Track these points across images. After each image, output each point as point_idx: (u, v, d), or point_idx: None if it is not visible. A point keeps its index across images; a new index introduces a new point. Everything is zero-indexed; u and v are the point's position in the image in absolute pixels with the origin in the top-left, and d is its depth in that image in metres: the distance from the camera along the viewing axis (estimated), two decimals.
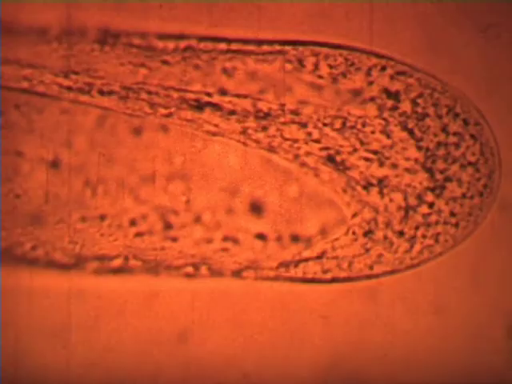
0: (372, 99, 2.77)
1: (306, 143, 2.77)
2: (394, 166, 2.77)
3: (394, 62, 2.79)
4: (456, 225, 2.80)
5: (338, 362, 2.81)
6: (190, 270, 2.77)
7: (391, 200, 2.77)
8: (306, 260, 2.79)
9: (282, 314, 2.80)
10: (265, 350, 2.79)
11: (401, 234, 2.78)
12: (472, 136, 2.80)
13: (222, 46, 2.76)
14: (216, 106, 2.75)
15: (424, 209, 2.78)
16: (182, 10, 2.75)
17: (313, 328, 2.80)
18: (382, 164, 2.77)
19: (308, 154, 2.77)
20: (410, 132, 2.78)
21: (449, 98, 2.80)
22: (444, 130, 2.79)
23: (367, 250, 2.79)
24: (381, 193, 2.77)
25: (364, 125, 2.77)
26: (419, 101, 2.79)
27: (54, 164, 2.73)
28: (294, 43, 2.77)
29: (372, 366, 2.81)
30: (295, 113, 2.76)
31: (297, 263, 2.79)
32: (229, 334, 2.79)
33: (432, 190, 2.78)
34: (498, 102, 2.83)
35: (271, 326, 2.80)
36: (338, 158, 2.77)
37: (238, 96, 2.76)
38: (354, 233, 2.78)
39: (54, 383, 2.74)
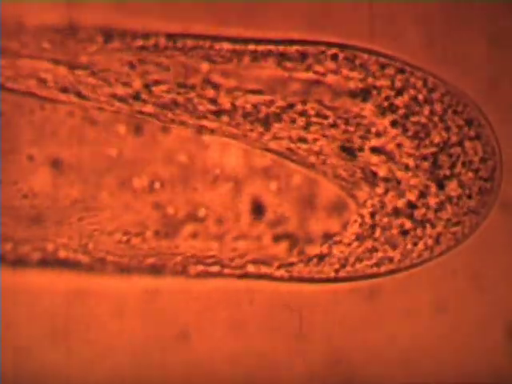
0: (372, 98, 2.77)
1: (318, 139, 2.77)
2: (395, 164, 2.77)
3: (395, 61, 2.78)
4: (457, 224, 2.79)
5: (338, 362, 2.81)
6: (189, 269, 2.77)
7: (392, 199, 2.77)
8: (307, 260, 2.79)
9: (282, 314, 2.80)
10: (265, 350, 2.79)
11: (403, 233, 2.78)
12: (473, 135, 2.79)
13: (223, 45, 2.76)
14: (224, 110, 2.75)
15: (424, 208, 2.78)
16: (183, 10, 2.75)
17: (313, 327, 2.81)
18: (383, 162, 2.77)
19: (314, 151, 2.77)
20: (411, 131, 2.77)
21: (450, 96, 2.79)
22: (445, 128, 2.78)
23: (368, 250, 2.79)
24: (382, 191, 2.77)
25: (365, 122, 2.76)
26: (420, 99, 2.78)
27: (58, 164, 2.74)
28: (294, 42, 2.77)
29: (372, 365, 2.81)
30: (304, 113, 2.76)
31: (298, 263, 2.79)
32: (229, 333, 2.79)
33: (433, 189, 2.78)
34: (499, 100, 2.83)
35: (271, 325, 2.80)
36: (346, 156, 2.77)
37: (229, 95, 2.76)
38: (355, 232, 2.78)
39: (54, 383, 2.75)
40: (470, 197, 2.79)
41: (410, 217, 2.77)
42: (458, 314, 2.83)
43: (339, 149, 2.70)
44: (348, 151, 2.70)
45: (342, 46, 2.77)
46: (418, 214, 2.78)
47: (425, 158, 2.77)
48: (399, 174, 2.77)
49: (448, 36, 2.81)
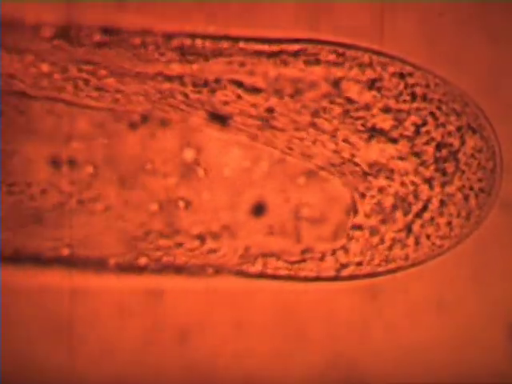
0: (373, 97, 2.77)
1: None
2: (395, 164, 2.77)
3: (396, 61, 2.78)
4: (457, 224, 2.80)
5: (338, 362, 2.81)
6: (190, 269, 2.77)
7: (392, 198, 2.77)
8: (308, 259, 2.79)
9: (283, 314, 2.80)
10: (265, 350, 2.79)
11: (403, 232, 2.78)
12: (473, 134, 2.79)
13: (224, 45, 2.76)
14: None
15: (425, 208, 2.78)
16: (183, 9, 2.75)
17: (314, 327, 2.81)
18: (384, 161, 2.77)
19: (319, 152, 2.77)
20: (412, 131, 2.77)
21: (449, 96, 2.79)
22: (445, 128, 2.78)
23: (368, 249, 2.79)
24: (383, 190, 2.77)
25: (368, 121, 2.77)
26: (419, 99, 2.78)
27: (58, 164, 2.74)
28: (294, 42, 2.77)
29: (372, 365, 2.81)
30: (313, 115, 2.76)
31: (299, 262, 2.79)
32: (229, 333, 2.79)
33: (433, 188, 2.78)
34: (499, 100, 2.82)
35: (272, 325, 2.80)
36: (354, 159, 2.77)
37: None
38: (354, 232, 2.79)
39: (54, 383, 2.75)
40: (470, 197, 2.79)
41: (410, 216, 2.78)
42: (458, 314, 2.83)
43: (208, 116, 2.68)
44: (218, 119, 2.67)
45: (342, 45, 2.78)
46: (417, 213, 2.78)
47: (424, 157, 2.77)
48: (397, 174, 2.77)
49: (448, 36, 2.81)
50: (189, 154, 2.75)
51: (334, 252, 2.79)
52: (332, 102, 2.75)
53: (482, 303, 2.83)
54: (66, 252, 2.74)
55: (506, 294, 2.83)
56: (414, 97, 2.77)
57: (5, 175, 2.73)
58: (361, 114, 2.75)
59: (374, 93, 2.76)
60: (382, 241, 2.78)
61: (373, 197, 2.77)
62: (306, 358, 2.81)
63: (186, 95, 2.74)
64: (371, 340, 2.82)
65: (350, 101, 2.76)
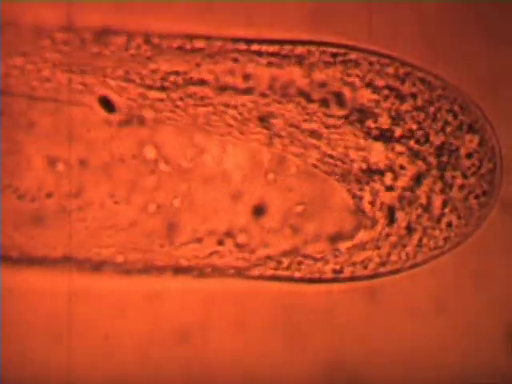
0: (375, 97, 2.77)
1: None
2: (394, 164, 2.77)
3: (395, 61, 2.78)
4: (457, 225, 2.80)
5: (338, 362, 2.81)
6: (191, 269, 2.77)
7: (391, 198, 2.78)
8: (308, 259, 2.79)
9: (283, 314, 2.80)
10: (266, 350, 2.80)
11: (403, 233, 2.78)
12: (473, 135, 2.79)
13: (224, 45, 2.76)
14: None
15: (425, 208, 2.78)
16: (184, 9, 2.74)
17: (314, 328, 2.81)
18: (384, 161, 2.77)
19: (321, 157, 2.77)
20: (410, 131, 2.77)
21: (449, 96, 2.79)
22: (444, 129, 2.78)
23: (368, 249, 2.79)
24: (383, 189, 2.78)
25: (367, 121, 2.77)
26: (419, 99, 2.78)
27: (58, 163, 2.74)
28: (294, 42, 2.77)
29: (372, 365, 2.81)
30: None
31: (299, 262, 2.79)
32: (230, 334, 2.79)
33: (433, 189, 2.78)
34: (499, 100, 2.82)
35: (272, 326, 2.80)
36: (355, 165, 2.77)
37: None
38: (355, 232, 2.79)
39: (54, 383, 2.75)
40: (470, 197, 2.80)
41: (409, 216, 2.78)
42: (457, 314, 2.83)
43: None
44: (106, 105, 2.67)
45: (341, 46, 2.78)
46: (417, 214, 2.78)
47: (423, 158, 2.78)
48: (397, 174, 2.77)
49: (448, 36, 2.81)
50: (149, 153, 2.75)
51: (334, 253, 2.79)
52: (327, 103, 2.76)
53: (482, 303, 2.83)
54: (66, 252, 2.74)
55: (505, 293, 2.84)
56: (413, 97, 2.78)
57: (5, 175, 2.72)
58: (359, 114, 2.76)
59: (373, 93, 2.76)
60: (382, 241, 2.79)
61: (373, 196, 2.78)
62: (306, 359, 2.81)
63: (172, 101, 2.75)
64: (371, 340, 2.82)
65: (347, 101, 2.76)
